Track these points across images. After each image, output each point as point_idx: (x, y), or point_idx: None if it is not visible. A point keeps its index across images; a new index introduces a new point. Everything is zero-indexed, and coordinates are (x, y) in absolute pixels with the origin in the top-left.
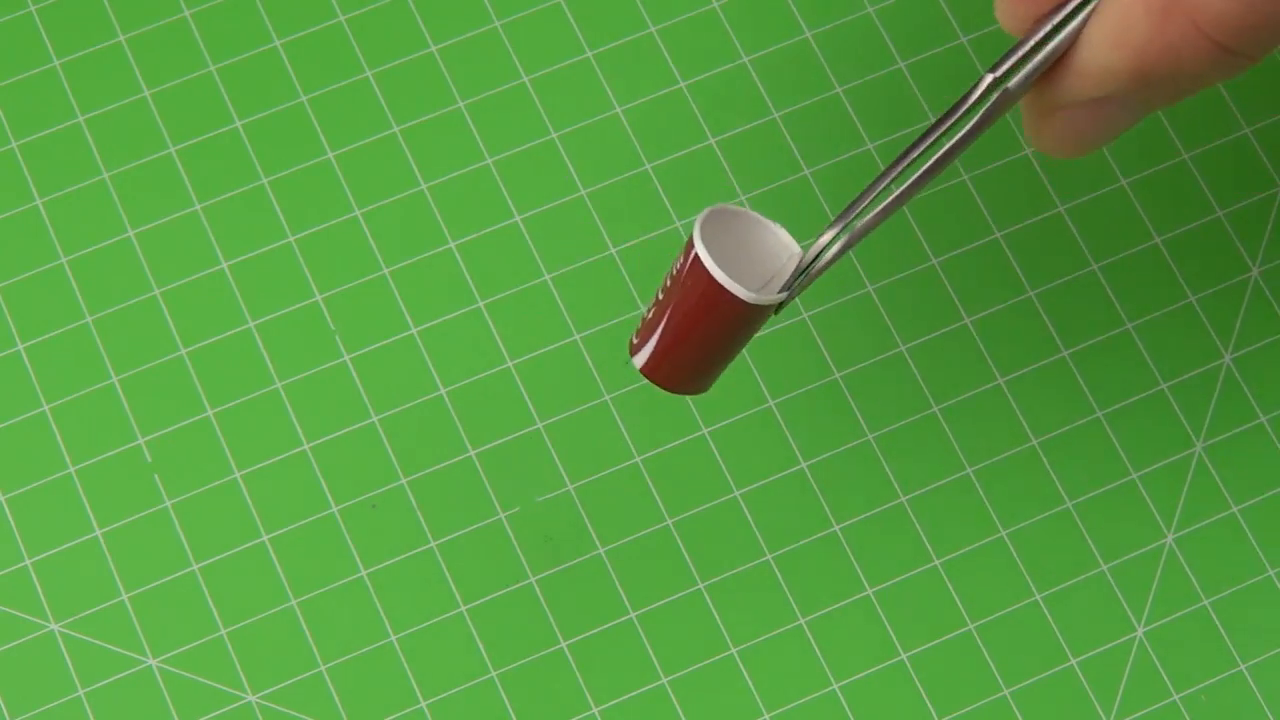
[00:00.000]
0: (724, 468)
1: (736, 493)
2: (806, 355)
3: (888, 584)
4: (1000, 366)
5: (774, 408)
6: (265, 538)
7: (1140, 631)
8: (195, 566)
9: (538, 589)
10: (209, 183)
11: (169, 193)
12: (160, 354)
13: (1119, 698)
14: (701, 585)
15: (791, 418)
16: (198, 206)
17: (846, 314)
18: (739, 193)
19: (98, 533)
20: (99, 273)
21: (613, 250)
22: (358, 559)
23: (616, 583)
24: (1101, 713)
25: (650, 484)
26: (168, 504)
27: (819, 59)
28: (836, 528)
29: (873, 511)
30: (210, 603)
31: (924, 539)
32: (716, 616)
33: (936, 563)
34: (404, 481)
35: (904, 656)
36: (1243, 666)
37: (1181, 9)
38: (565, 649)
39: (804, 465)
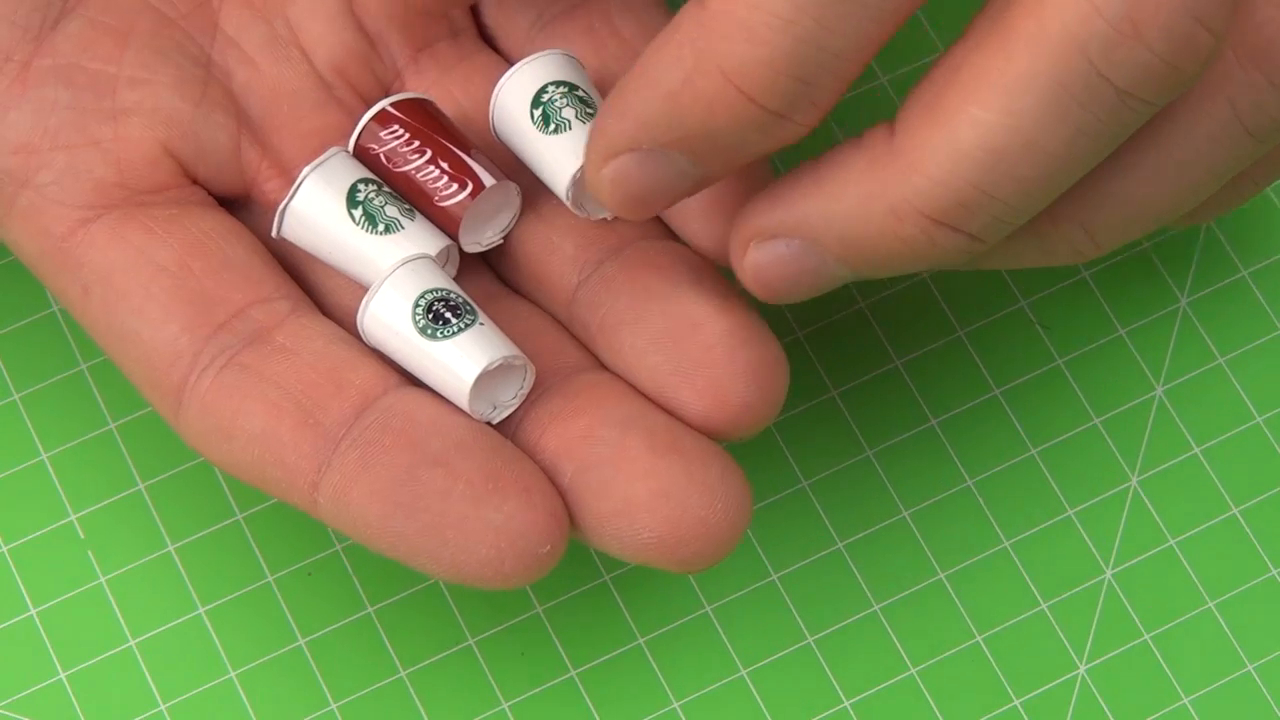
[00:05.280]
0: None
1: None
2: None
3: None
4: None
5: None
6: (201, 610)
7: (1082, 669)
8: (132, 642)
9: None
10: None
11: None
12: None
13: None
14: (641, 638)
15: None
16: None
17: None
18: None
19: (32, 612)
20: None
21: None
22: (294, 627)
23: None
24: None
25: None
26: (102, 580)
27: None
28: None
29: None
30: (149, 679)
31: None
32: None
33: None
34: (339, 548)
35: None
36: (1186, 700)
37: (711, 57)
38: None
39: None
